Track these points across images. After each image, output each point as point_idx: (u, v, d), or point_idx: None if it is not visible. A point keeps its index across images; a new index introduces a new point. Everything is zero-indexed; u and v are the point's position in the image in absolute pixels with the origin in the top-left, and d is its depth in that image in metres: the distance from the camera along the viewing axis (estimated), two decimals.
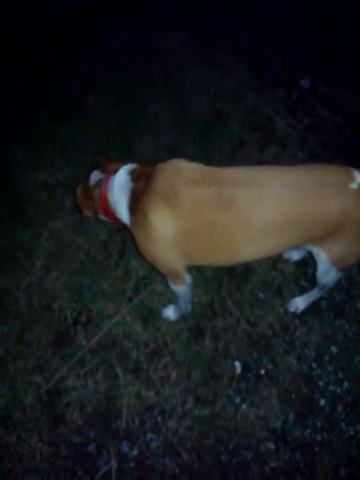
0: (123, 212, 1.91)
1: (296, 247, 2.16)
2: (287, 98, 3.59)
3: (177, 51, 3.83)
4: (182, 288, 2.14)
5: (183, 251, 1.84)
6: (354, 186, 1.71)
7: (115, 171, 1.93)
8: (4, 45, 3.79)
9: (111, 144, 3.17)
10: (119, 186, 1.88)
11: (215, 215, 1.71)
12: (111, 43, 3.85)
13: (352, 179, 1.72)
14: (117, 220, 2.02)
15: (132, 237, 1.99)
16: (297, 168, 1.81)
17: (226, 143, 3.23)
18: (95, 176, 2.05)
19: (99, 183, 2.00)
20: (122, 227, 2.09)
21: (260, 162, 3.09)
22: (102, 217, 2.10)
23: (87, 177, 2.09)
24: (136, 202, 1.81)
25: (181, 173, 1.77)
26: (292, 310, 2.52)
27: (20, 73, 3.64)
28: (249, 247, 1.83)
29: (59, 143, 3.22)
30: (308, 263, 2.67)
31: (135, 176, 1.87)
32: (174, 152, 3.08)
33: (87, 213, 2.14)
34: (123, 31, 3.95)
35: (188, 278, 2.08)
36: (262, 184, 1.71)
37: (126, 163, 1.96)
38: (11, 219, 2.85)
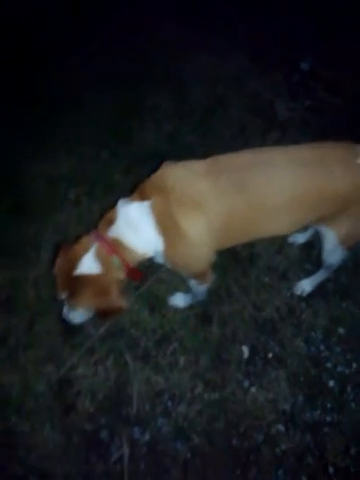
0: (151, 238, 1.71)
1: (306, 226, 2.18)
2: (287, 82, 3.56)
3: (174, 41, 3.78)
4: (206, 286, 2.15)
5: (213, 245, 1.80)
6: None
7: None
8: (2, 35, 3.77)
9: (112, 134, 3.18)
10: (136, 215, 1.69)
11: (231, 202, 1.70)
12: (109, 36, 3.82)
13: (357, 154, 1.73)
14: (136, 269, 1.80)
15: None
16: (301, 146, 1.81)
17: (227, 129, 3.21)
18: (90, 262, 1.67)
19: (102, 248, 1.69)
20: (138, 276, 1.85)
21: (262, 146, 3.07)
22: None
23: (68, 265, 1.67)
24: (162, 219, 1.68)
25: (189, 172, 1.73)
26: (298, 293, 2.52)
27: (18, 66, 3.62)
28: (266, 225, 1.84)
29: (61, 135, 3.23)
30: (313, 246, 2.67)
31: (138, 195, 1.73)
32: (175, 140, 3.08)
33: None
34: (120, 24, 3.91)
35: (212, 276, 2.08)
36: (268, 163, 1.71)
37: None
38: (16, 214, 2.87)
